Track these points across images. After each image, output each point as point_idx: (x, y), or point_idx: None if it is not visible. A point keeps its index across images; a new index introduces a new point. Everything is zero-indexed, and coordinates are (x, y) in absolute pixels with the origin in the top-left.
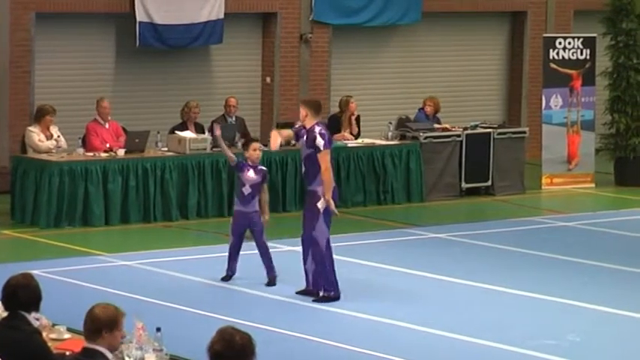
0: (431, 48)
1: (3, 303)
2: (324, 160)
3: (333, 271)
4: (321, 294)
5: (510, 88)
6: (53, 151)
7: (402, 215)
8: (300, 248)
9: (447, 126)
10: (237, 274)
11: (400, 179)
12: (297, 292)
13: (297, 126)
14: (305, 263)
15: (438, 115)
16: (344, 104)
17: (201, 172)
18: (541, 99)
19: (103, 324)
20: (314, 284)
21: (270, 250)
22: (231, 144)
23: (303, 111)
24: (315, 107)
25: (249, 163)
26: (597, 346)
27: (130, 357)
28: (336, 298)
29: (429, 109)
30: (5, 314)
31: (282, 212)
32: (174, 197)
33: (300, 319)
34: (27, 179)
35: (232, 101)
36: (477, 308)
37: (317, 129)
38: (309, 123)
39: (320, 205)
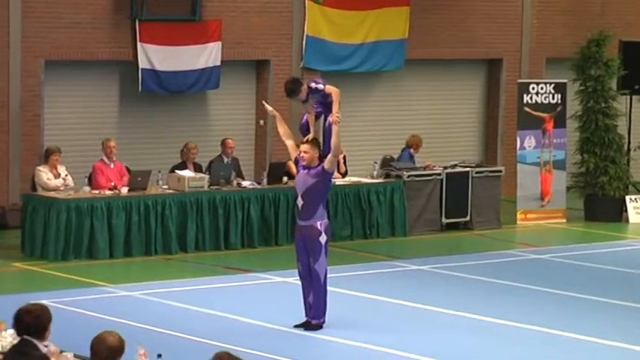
0: (413, 93)
1: (14, 330)
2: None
3: (325, 300)
4: (313, 322)
5: (487, 130)
6: (61, 188)
7: (387, 248)
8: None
9: (429, 163)
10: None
11: (385, 215)
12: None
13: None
14: (307, 297)
15: (419, 154)
16: None
17: (199, 208)
18: (516, 140)
19: (120, 352)
20: (314, 315)
21: (262, 281)
22: (227, 182)
23: (315, 152)
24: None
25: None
26: None
27: None
28: (321, 326)
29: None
30: (17, 341)
31: (275, 245)
32: (173, 232)
33: (291, 346)
34: (36, 215)
35: (230, 143)
36: (457, 336)
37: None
38: (316, 162)
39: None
